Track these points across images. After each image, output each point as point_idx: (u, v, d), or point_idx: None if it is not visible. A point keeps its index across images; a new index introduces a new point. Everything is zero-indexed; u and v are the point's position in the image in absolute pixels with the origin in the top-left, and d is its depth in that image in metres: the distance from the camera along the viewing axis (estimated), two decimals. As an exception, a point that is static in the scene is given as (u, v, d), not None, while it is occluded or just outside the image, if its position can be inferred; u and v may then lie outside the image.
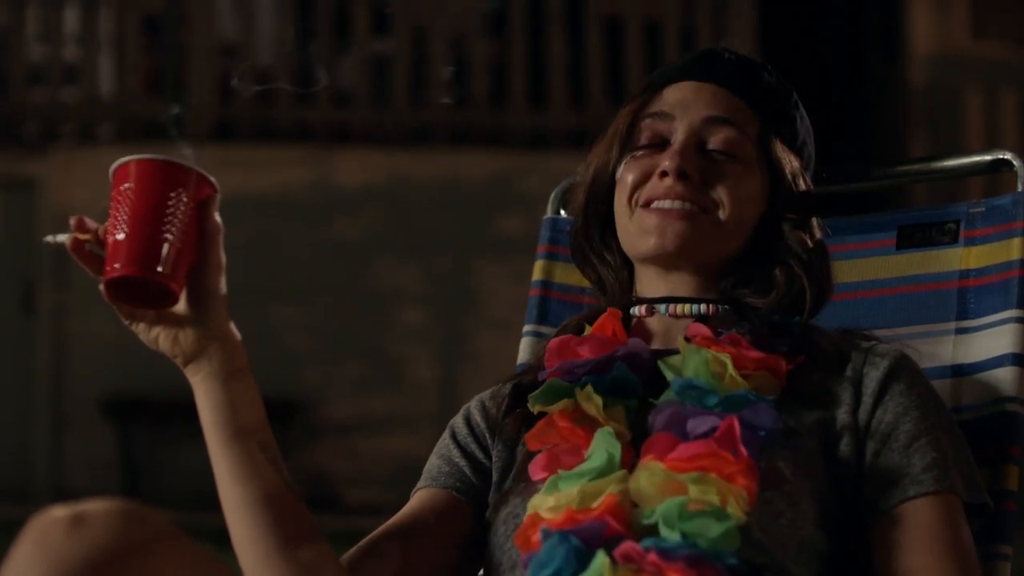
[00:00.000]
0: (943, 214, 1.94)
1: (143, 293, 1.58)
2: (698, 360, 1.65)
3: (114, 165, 1.58)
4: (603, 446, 1.59)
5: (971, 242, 1.91)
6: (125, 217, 1.56)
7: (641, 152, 1.77)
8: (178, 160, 1.58)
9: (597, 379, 1.67)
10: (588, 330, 1.75)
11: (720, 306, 1.74)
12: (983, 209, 1.92)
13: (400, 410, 8.11)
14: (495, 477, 1.73)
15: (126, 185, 1.57)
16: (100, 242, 1.58)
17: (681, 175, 1.73)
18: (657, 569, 1.48)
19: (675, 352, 1.70)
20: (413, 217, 8.22)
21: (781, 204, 1.77)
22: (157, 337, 1.60)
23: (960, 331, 1.87)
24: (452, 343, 8.24)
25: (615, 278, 1.81)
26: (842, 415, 1.66)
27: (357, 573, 1.64)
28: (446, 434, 1.80)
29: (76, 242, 1.58)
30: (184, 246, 1.57)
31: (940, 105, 8.28)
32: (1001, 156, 1.93)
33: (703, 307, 1.75)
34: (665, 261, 1.75)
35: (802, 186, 1.78)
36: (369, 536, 1.69)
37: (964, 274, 1.90)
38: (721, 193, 1.74)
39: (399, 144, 8.28)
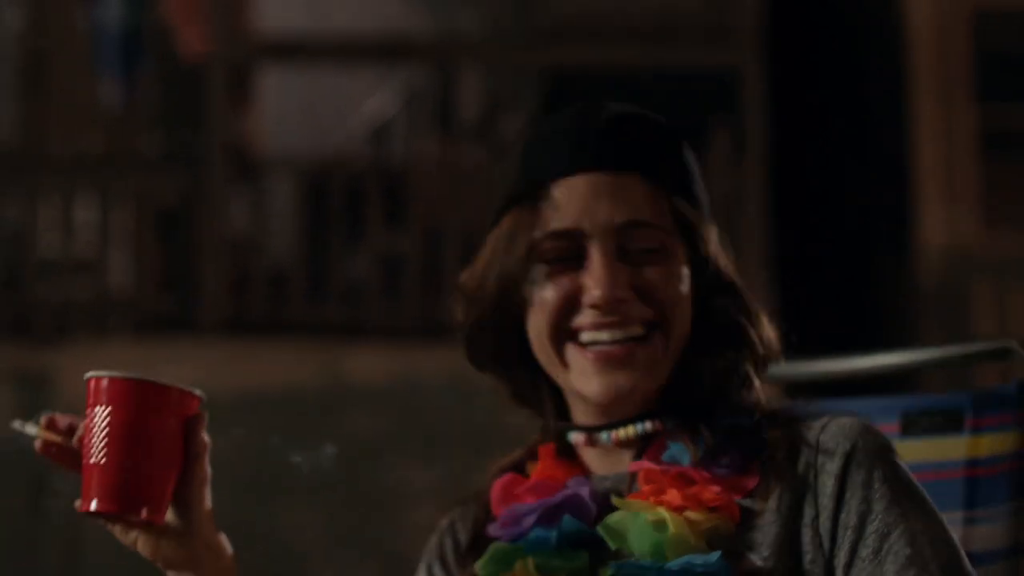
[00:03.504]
0: (948, 401, 1.92)
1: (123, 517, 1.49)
2: (638, 526, 1.50)
3: (88, 375, 1.48)
4: None
5: (977, 431, 1.89)
6: (103, 442, 1.45)
7: (556, 267, 1.57)
8: (157, 380, 1.46)
9: (543, 538, 1.54)
10: (532, 467, 1.64)
11: (665, 419, 1.57)
12: (989, 398, 1.90)
13: (410, 609, 8.00)
14: None
15: (103, 406, 1.46)
16: (72, 450, 1.49)
17: (614, 304, 1.54)
18: None
19: (620, 483, 1.57)
20: (425, 413, 8.21)
21: (705, 282, 1.58)
22: (136, 540, 1.52)
23: (969, 521, 1.85)
24: (463, 540, 8.16)
25: (548, 403, 1.63)
26: (805, 531, 1.51)
27: None
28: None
29: (45, 445, 1.50)
30: (168, 472, 1.48)
31: (951, 301, 8.30)
32: (1004, 345, 1.92)
33: (647, 425, 1.57)
34: (613, 404, 1.56)
35: (719, 254, 1.60)
36: None
37: (972, 463, 1.87)
38: (659, 299, 1.55)
39: (411, 339, 8.30)
